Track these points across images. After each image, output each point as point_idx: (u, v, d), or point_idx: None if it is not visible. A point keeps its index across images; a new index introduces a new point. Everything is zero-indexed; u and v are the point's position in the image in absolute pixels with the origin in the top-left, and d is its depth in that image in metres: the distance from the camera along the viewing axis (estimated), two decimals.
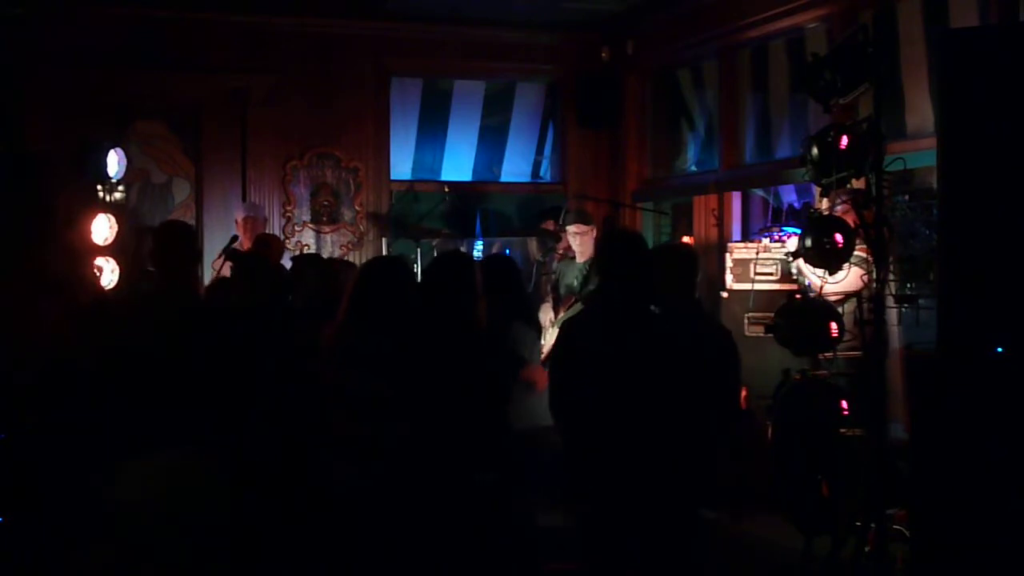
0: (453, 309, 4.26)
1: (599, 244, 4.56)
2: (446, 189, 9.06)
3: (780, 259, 6.65)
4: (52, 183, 7.27)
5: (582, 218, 7.22)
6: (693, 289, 4.66)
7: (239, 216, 7.79)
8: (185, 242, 5.16)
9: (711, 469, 4.25)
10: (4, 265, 5.86)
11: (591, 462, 4.09)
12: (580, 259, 7.07)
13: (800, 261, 6.23)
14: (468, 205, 9.41)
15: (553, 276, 7.33)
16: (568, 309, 6.86)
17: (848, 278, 5.41)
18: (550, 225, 8.30)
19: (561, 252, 7.91)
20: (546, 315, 7.07)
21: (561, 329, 4.43)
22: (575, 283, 6.97)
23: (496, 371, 4.31)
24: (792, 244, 6.48)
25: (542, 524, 4.62)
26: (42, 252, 5.94)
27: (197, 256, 5.27)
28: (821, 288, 5.52)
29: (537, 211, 8.97)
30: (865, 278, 5.38)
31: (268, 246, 7.00)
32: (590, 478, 4.10)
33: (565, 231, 7.65)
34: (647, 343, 4.02)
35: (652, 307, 4.17)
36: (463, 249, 8.39)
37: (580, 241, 7.06)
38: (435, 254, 8.07)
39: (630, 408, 3.96)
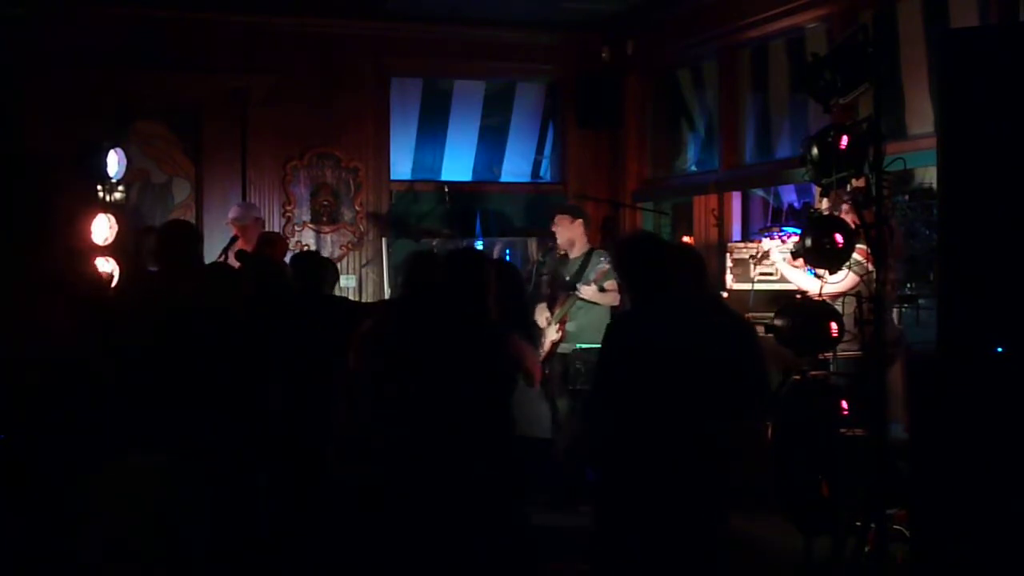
0: (463, 306, 4.26)
1: (622, 251, 4.52)
2: (446, 189, 9.06)
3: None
4: (52, 183, 7.27)
5: (568, 210, 7.26)
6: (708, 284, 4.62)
7: (229, 223, 7.69)
8: (189, 242, 5.17)
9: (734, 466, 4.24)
10: (5, 264, 5.84)
11: (623, 462, 4.07)
12: (573, 254, 7.10)
13: (784, 265, 6.25)
14: (468, 205, 9.41)
15: (545, 275, 7.35)
16: (563, 306, 6.88)
17: (845, 281, 5.44)
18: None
19: (562, 252, 7.93)
20: (542, 314, 7.08)
21: (611, 332, 4.35)
22: (568, 279, 6.98)
23: (502, 370, 4.31)
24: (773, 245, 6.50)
25: (545, 524, 4.62)
26: (44, 251, 5.92)
27: (199, 256, 5.26)
28: (821, 290, 5.52)
29: (541, 211, 8.98)
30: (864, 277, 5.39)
31: (272, 245, 6.99)
32: (619, 479, 4.09)
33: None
34: (713, 341, 4.02)
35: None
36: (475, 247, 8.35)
37: (561, 234, 7.09)
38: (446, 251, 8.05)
39: (692, 407, 3.95)
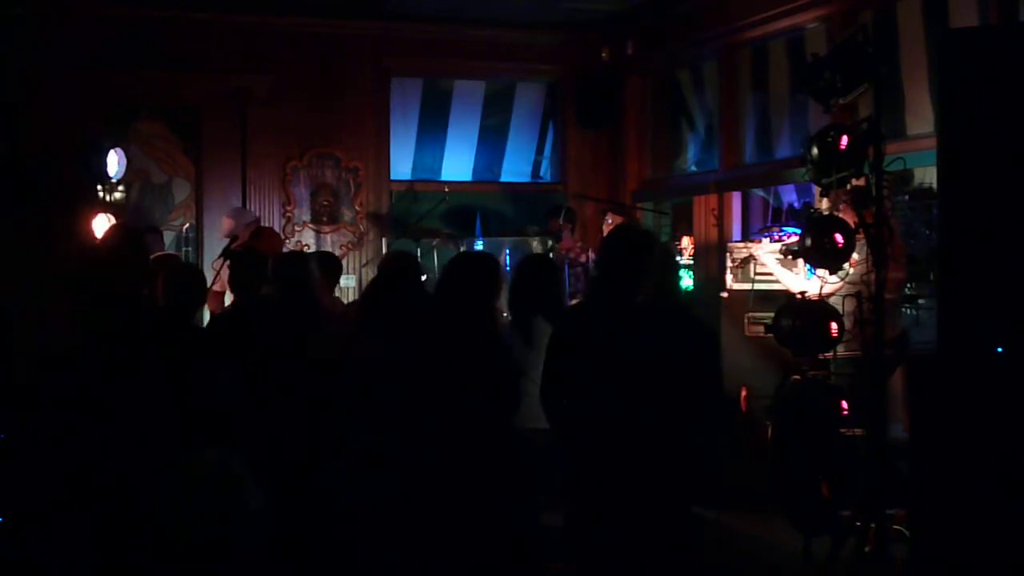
0: (466, 312, 4.26)
1: (602, 241, 4.56)
2: (446, 190, 9.07)
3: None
4: (57, 183, 7.29)
5: (618, 209, 7.30)
6: (659, 283, 4.56)
7: (224, 236, 7.60)
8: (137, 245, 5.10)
9: (698, 464, 4.24)
10: (26, 264, 5.83)
11: (577, 458, 4.10)
12: None
13: (775, 264, 6.26)
14: (467, 205, 9.42)
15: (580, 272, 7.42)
16: None
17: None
18: (555, 225, 8.33)
19: (563, 251, 7.95)
20: None
21: (557, 322, 4.44)
22: None
23: (507, 374, 4.31)
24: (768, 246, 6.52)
25: (545, 524, 4.62)
26: (50, 249, 5.91)
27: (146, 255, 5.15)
28: (820, 290, 5.52)
29: (541, 211, 8.99)
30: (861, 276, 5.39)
31: (258, 238, 6.97)
32: (577, 475, 4.10)
33: (566, 229, 7.68)
34: (630, 338, 4.01)
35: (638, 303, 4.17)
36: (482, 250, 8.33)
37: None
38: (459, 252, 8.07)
39: (613, 402, 3.96)
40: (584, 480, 4.07)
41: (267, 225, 8.38)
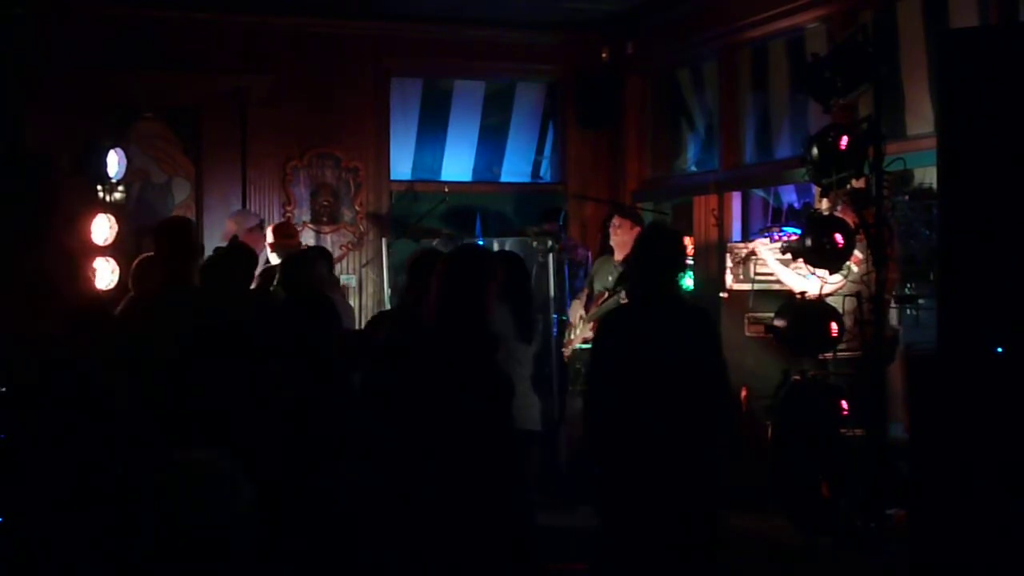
0: (466, 310, 4.27)
1: (638, 238, 4.57)
2: (446, 190, 9.07)
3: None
4: (52, 183, 7.28)
5: (623, 211, 7.31)
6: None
7: (226, 234, 7.61)
8: (187, 238, 5.16)
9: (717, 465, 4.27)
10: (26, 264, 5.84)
11: (606, 458, 4.12)
12: (618, 256, 7.09)
13: (776, 264, 6.27)
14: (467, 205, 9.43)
15: (579, 271, 7.41)
16: (600, 305, 6.88)
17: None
18: (552, 227, 8.34)
19: (561, 251, 7.95)
20: (576, 312, 7.15)
21: (600, 325, 4.46)
22: (609, 280, 7.00)
23: (505, 372, 4.32)
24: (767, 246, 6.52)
25: (545, 524, 4.63)
26: (37, 253, 5.92)
27: (199, 251, 5.25)
28: (821, 290, 5.52)
29: (539, 211, 8.99)
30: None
31: (280, 235, 7.01)
32: (608, 475, 4.13)
33: (562, 231, 7.68)
34: (677, 338, 4.05)
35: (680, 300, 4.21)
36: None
37: (617, 235, 7.11)
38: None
39: (660, 403, 3.99)
40: (615, 480, 4.09)
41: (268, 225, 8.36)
